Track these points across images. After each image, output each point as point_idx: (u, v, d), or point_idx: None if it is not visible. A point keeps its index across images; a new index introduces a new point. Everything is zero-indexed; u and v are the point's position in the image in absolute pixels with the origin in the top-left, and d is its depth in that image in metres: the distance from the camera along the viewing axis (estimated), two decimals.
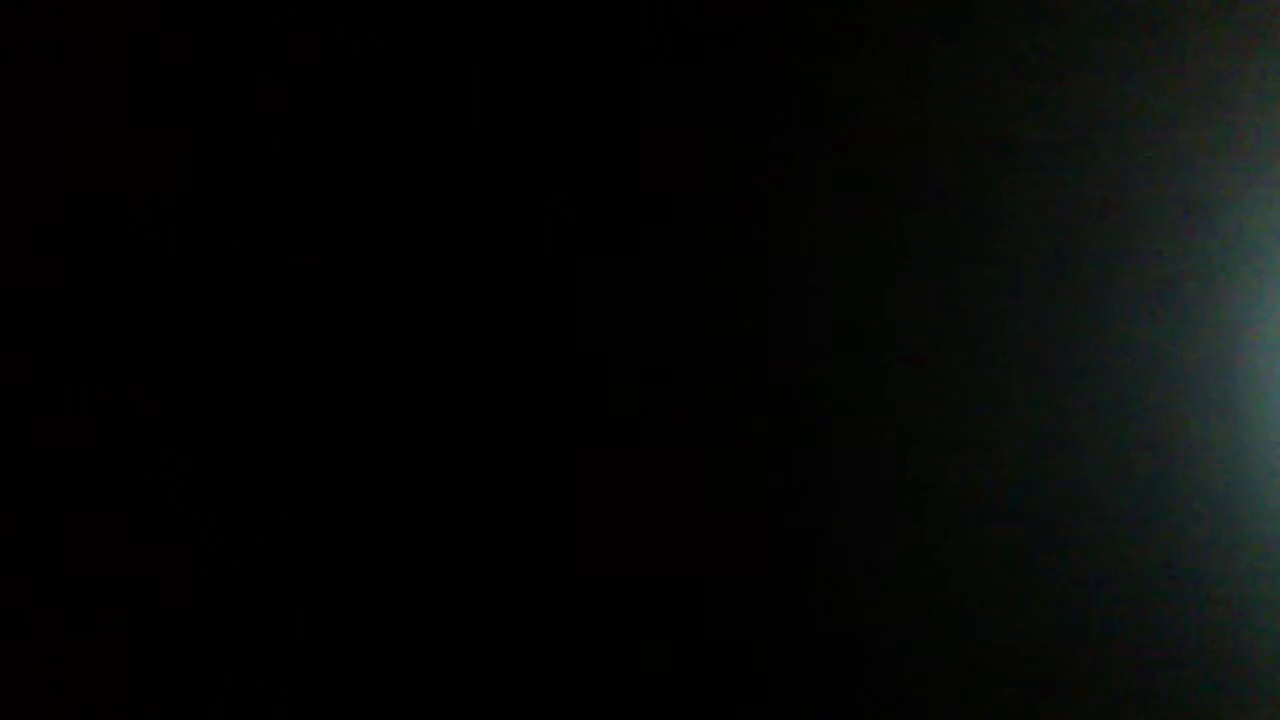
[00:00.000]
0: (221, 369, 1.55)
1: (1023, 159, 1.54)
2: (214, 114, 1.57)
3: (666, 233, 1.56)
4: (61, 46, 1.57)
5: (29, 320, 1.55)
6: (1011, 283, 1.53)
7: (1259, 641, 1.49)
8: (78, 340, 1.55)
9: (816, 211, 1.55)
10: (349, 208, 1.56)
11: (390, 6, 1.57)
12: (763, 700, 1.52)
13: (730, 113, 1.56)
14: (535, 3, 1.57)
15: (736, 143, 1.56)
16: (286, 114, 1.57)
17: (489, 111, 1.57)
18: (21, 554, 1.53)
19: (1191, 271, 1.52)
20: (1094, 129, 1.53)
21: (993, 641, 1.51)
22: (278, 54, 1.57)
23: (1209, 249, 1.52)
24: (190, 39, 1.57)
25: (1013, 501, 1.51)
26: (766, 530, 1.53)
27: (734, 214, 1.55)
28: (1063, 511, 1.51)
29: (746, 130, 1.56)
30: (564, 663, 1.53)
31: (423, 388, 1.55)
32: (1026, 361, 1.52)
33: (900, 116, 1.55)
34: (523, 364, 1.55)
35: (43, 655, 1.52)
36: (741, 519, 1.53)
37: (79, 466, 1.54)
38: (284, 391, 1.55)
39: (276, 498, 1.54)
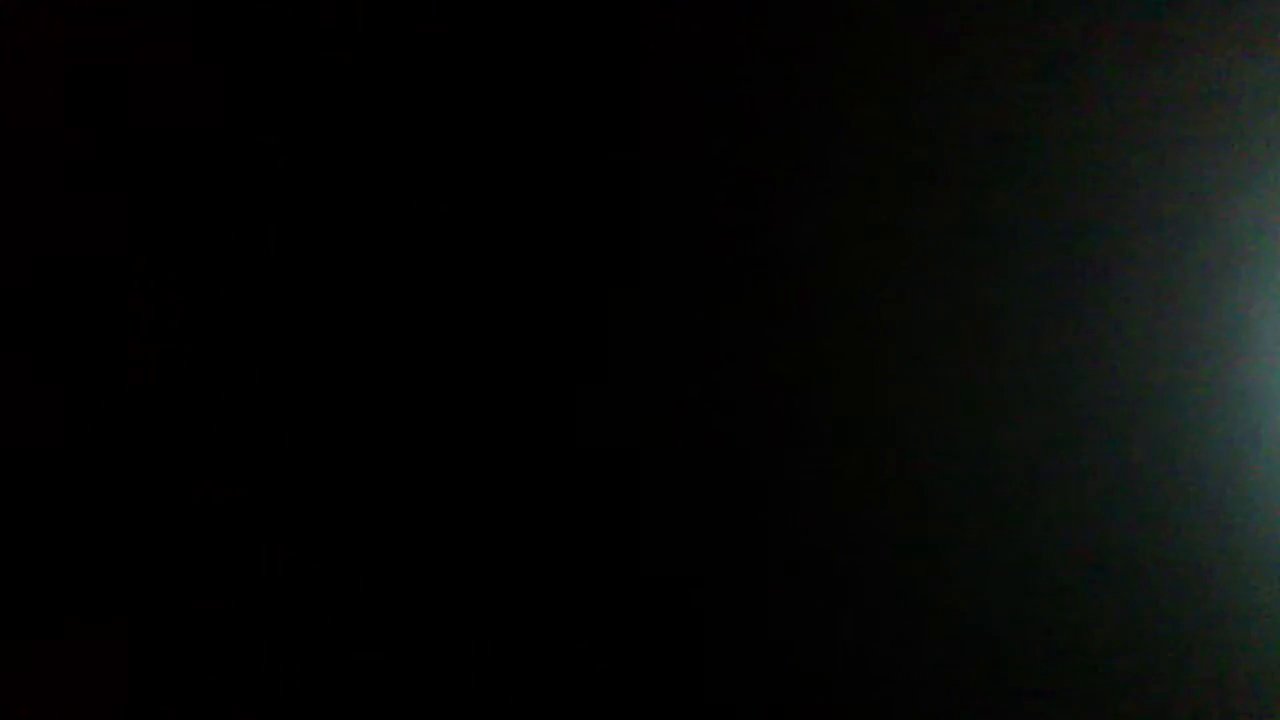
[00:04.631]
0: (224, 369, 1.55)
1: (1022, 159, 1.54)
2: (213, 114, 1.57)
3: (666, 232, 1.56)
4: (61, 45, 1.58)
5: (28, 319, 1.55)
6: (1011, 283, 1.53)
7: (1259, 642, 1.49)
8: (79, 340, 1.55)
9: (814, 211, 1.55)
10: (349, 208, 1.56)
11: (390, 6, 1.57)
12: (761, 701, 1.52)
13: (728, 112, 1.56)
14: (535, 2, 1.57)
15: (734, 142, 1.56)
16: (285, 113, 1.57)
17: (489, 110, 1.57)
18: (21, 554, 1.53)
19: (1191, 271, 1.52)
20: (1094, 129, 1.53)
21: (990, 641, 1.51)
22: (277, 53, 1.57)
23: (1209, 249, 1.52)
24: (188, 38, 1.58)
25: (1012, 501, 1.52)
26: (764, 530, 1.53)
27: (732, 214, 1.56)
28: (1062, 512, 1.51)
29: (745, 130, 1.56)
30: (560, 662, 1.53)
31: (422, 387, 1.55)
32: (1026, 361, 1.52)
33: (899, 116, 1.55)
34: (520, 364, 1.55)
35: (42, 656, 1.52)
36: (740, 519, 1.53)
37: (78, 465, 1.54)
38: (286, 391, 1.55)
39: (280, 496, 1.54)
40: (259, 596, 1.53)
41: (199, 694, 1.53)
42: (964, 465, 1.52)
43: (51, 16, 1.58)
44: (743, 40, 1.56)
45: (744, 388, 1.54)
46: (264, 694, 1.53)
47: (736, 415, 1.54)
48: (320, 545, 1.54)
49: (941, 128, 1.54)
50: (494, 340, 1.56)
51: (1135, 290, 1.52)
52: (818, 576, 1.53)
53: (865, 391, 1.54)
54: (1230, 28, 1.53)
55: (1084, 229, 1.53)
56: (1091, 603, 1.51)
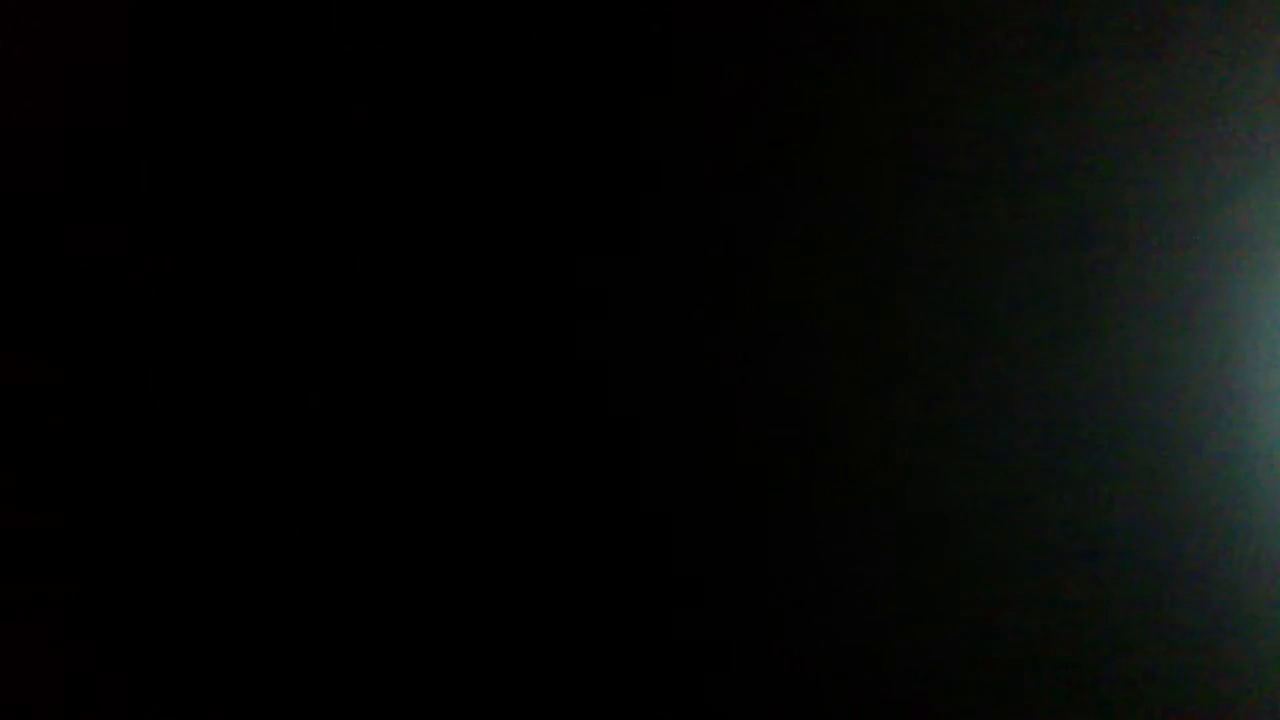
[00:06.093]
0: (225, 369, 1.55)
1: (1022, 159, 1.54)
2: (214, 113, 1.57)
3: (666, 232, 1.56)
4: (62, 44, 1.58)
5: (28, 319, 1.55)
6: (1011, 283, 1.53)
7: (1259, 641, 1.49)
8: (80, 341, 1.55)
9: (815, 212, 1.55)
10: (350, 208, 1.56)
11: (391, 6, 1.57)
12: (761, 700, 1.52)
13: (728, 111, 1.56)
14: (535, 2, 1.57)
15: (733, 141, 1.56)
16: (287, 113, 1.57)
17: (489, 110, 1.57)
18: (21, 554, 1.53)
19: (1191, 271, 1.52)
20: (1094, 129, 1.54)
21: (989, 640, 1.51)
22: (278, 53, 1.57)
23: (1209, 249, 1.52)
24: (189, 37, 1.58)
25: (1012, 502, 1.51)
26: (764, 529, 1.53)
27: (732, 216, 1.56)
28: (1062, 512, 1.51)
29: (745, 131, 1.56)
30: (559, 662, 1.53)
31: (422, 387, 1.55)
32: (1026, 362, 1.52)
33: (899, 116, 1.55)
34: (520, 366, 1.55)
35: (42, 656, 1.52)
36: (739, 517, 1.53)
37: (79, 466, 1.54)
38: (285, 388, 1.55)
39: (279, 493, 1.54)
40: (257, 596, 1.53)
41: (199, 693, 1.53)
42: (963, 464, 1.52)
43: (51, 16, 1.58)
44: (742, 39, 1.56)
45: (744, 386, 1.54)
46: (263, 694, 1.53)
47: (736, 414, 1.54)
48: (318, 543, 1.54)
49: (941, 127, 1.54)
50: (493, 337, 1.55)
51: (1135, 290, 1.52)
52: (817, 574, 1.53)
53: (865, 390, 1.53)
54: (1230, 28, 1.53)
55: (1084, 229, 1.53)
56: (1091, 602, 1.50)
